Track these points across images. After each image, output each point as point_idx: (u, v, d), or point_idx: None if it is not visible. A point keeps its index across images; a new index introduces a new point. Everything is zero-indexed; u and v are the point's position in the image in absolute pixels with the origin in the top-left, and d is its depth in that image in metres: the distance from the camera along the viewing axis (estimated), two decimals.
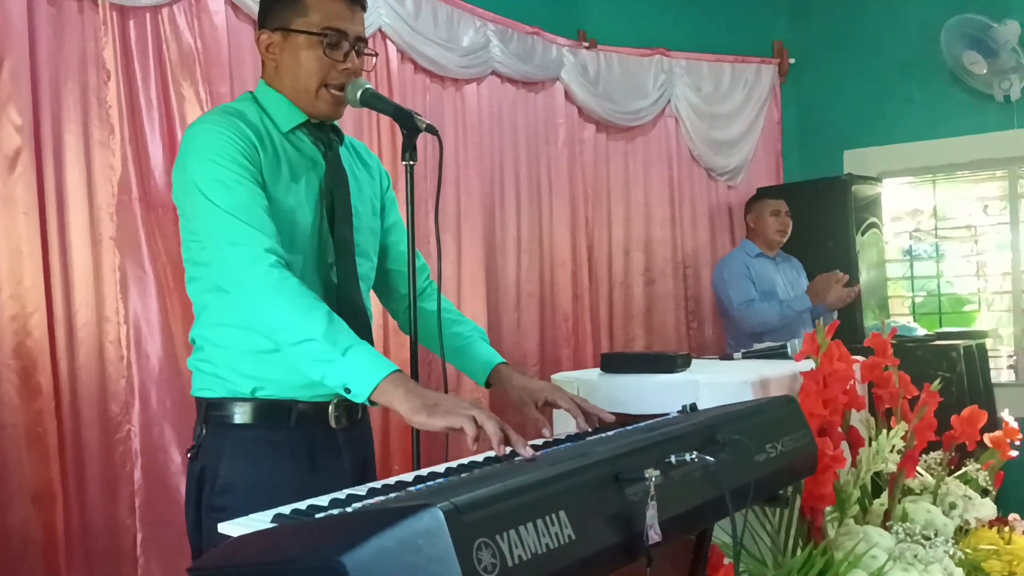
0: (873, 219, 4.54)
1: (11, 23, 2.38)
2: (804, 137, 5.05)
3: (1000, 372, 4.64)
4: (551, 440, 1.59)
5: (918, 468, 2.16)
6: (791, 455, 1.48)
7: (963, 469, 2.28)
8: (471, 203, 3.69)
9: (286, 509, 1.14)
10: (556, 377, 2.19)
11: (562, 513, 0.95)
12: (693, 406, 1.64)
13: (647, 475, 1.07)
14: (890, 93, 4.74)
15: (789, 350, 2.42)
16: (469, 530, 0.83)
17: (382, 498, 1.13)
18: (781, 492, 1.58)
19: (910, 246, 5.05)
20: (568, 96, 4.22)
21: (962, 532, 2.07)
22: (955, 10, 4.40)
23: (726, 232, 4.81)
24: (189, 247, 1.66)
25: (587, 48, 4.33)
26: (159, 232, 2.67)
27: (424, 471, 1.37)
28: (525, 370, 3.89)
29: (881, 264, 4.68)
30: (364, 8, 1.72)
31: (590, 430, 1.62)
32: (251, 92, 1.74)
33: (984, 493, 2.23)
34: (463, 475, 1.25)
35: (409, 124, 1.68)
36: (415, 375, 1.65)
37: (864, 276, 4.34)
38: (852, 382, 1.95)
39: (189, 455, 1.68)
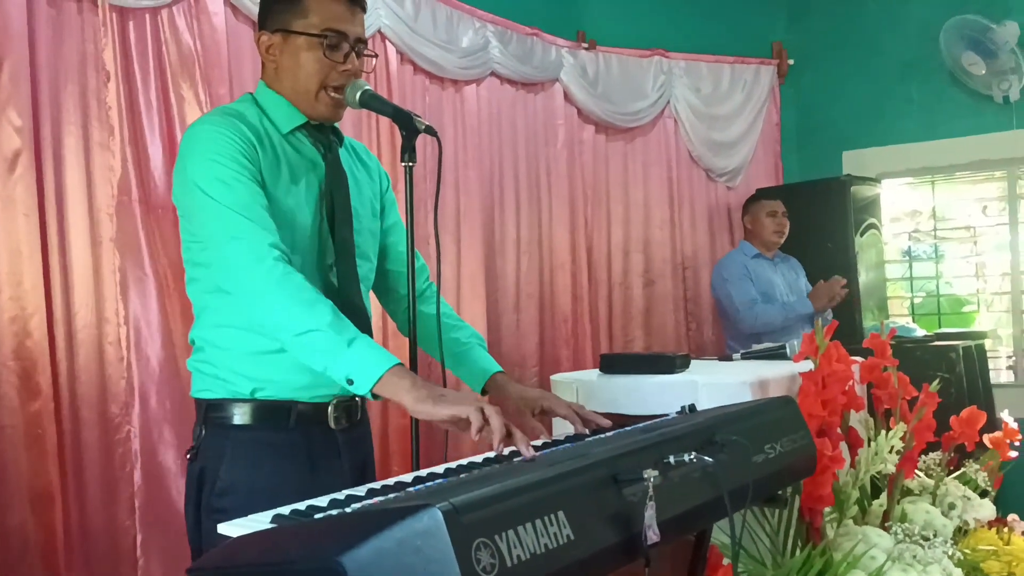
0: (872, 220, 4.55)
1: (11, 24, 2.38)
2: (803, 138, 5.05)
3: (999, 373, 4.64)
4: (550, 441, 1.59)
5: (917, 469, 2.16)
6: (790, 456, 1.48)
7: (962, 470, 2.28)
8: (470, 204, 3.70)
9: (285, 510, 1.14)
10: (555, 378, 2.19)
11: (561, 513, 0.95)
12: (692, 407, 1.65)
13: (646, 476, 1.07)
14: (889, 94, 4.74)
15: (788, 351, 2.42)
16: (468, 530, 0.83)
17: (381, 499, 1.13)
18: (780, 493, 1.58)
19: (909, 247, 5.05)
20: (567, 97, 4.22)
21: (961, 533, 2.07)
22: (954, 11, 4.40)
23: (725, 233, 4.81)
24: (189, 248, 1.67)
25: (586, 49, 4.33)
26: (159, 233, 2.67)
27: (423, 472, 1.37)
28: (525, 371, 3.90)
29: (880, 265, 4.68)
30: (364, 9, 1.72)
31: (588, 433, 1.62)
32: (251, 94, 1.74)
33: (983, 494, 2.23)
34: (462, 476, 1.25)
35: (408, 125, 1.69)
36: None
37: (863, 277, 4.34)
38: (851, 383, 1.95)
39: (189, 456, 1.68)
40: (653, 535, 1.06)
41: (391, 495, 1.16)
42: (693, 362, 2.21)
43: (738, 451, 1.30)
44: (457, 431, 1.44)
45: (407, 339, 1.72)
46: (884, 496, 2.04)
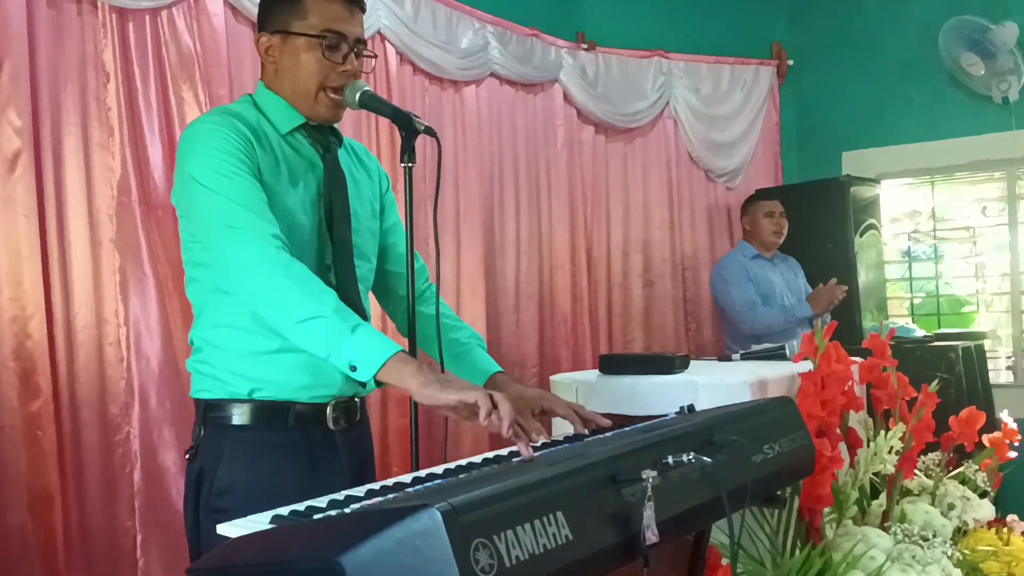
0: (872, 220, 4.55)
1: (10, 25, 2.38)
2: (803, 138, 5.05)
3: (999, 373, 4.64)
4: (549, 441, 1.59)
5: (916, 469, 2.16)
6: (789, 456, 1.48)
7: (961, 467, 2.28)
8: (470, 204, 3.70)
9: (284, 510, 1.15)
10: (555, 378, 2.19)
11: (559, 514, 0.95)
12: (691, 407, 1.65)
13: (644, 476, 1.07)
14: (889, 94, 4.74)
15: (787, 351, 2.43)
16: (467, 531, 0.83)
17: (380, 499, 1.13)
18: (779, 493, 1.58)
19: (909, 247, 5.05)
20: (567, 98, 4.22)
21: (960, 533, 2.07)
22: (953, 12, 4.40)
23: (725, 234, 4.81)
24: (189, 248, 1.67)
25: (586, 50, 4.33)
26: (159, 234, 2.67)
27: (422, 472, 1.37)
28: (524, 371, 3.90)
29: (880, 265, 4.68)
30: (363, 10, 1.72)
31: (587, 433, 1.62)
32: (250, 95, 1.74)
33: (983, 494, 2.23)
34: (461, 476, 1.25)
35: (408, 126, 1.69)
36: None
37: (863, 277, 4.34)
38: (850, 383, 1.95)
39: (188, 456, 1.68)
40: (652, 535, 1.06)
41: (390, 496, 1.16)
42: (692, 362, 2.21)
43: (737, 451, 1.30)
44: (461, 418, 1.42)
45: (406, 340, 1.72)
46: (883, 496, 2.04)
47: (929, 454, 2.24)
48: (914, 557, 1.77)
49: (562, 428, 1.78)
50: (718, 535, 1.57)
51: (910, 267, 5.06)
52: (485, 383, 1.80)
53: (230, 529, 1.10)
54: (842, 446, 1.88)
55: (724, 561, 1.57)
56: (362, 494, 1.21)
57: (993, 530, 2.11)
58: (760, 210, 4.07)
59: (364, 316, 1.71)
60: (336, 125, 1.78)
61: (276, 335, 1.55)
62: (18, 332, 2.37)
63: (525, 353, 3.92)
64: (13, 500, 2.33)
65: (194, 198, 1.57)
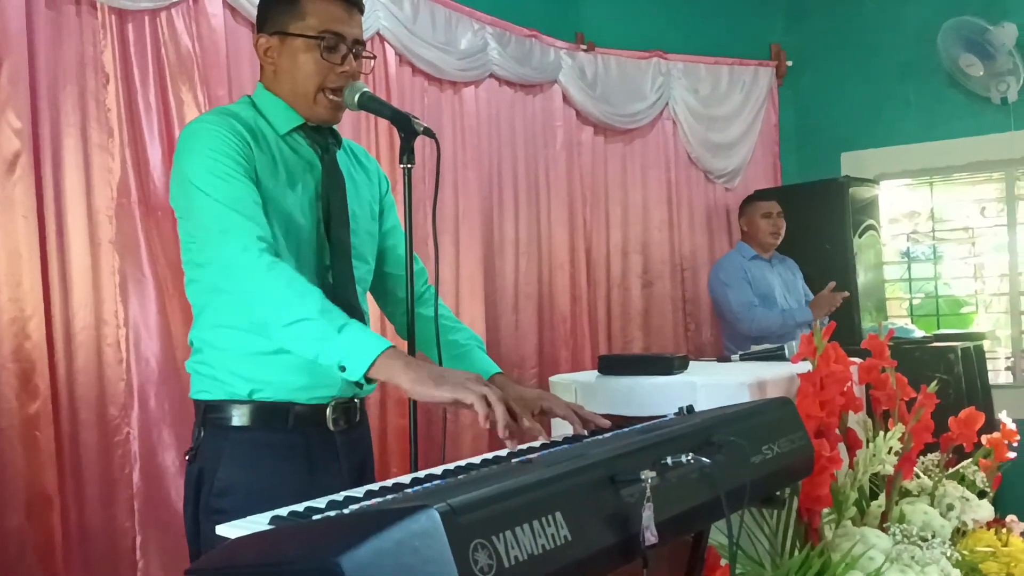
0: (871, 221, 4.55)
1: (10, 26, 2.38)
2: (802, 139, 5.06)
3: (998, 374, 4.64)
4: (548, 442, 1.59)
5: (915, 470, 2.16)
6: (787, 456, 1.48)
7: (959, 466, 2.28)
8: (469, 205, 3.70)
9: (284, 511, 1.15)
10: (554, 379, 2.19)
11: (558, 514, 0.95)
12: (690, 408, 1.65)
13: (643, 476, 1.07)
14: (887, 95, 4.75)
15: (786, 352, 2.43)
16: (465, 531, 0.83)
17: (379, 500, 1.13)
18: (778, 494, 1.58)
19: (908, 248, 5.06)
20: (566, 99, 4.23)
21: (959, 534, 2.07)
22: (952, 12, 4.41)
23: (724, 234, 4.82)
24: (188, 249, 1.67)
25: (585, 51, 4.34)
26: (158, 235, 2.67)
27: (422, 473, 1.37)
28: (524, 372, 3.90)
29: (879, 266, 4.69)
30: (361, 11, 1.73)
31: (587, 434, 1.62)
32: (249, 96, 1.74)
33: (982, 495, 2.23)
34: (460, 477, 1.25)
35: (407, 127, 1.69)
36: None
37: (861, 278, 4.34)
38: (849, 384, 1.95)
39: (187, 457, 1.68)
40: (651, 536, 1.06)
41: (389, 496, 1.16)
42: (691, 363, 2.21)
43: (736, 452, 1.30)
44: (459, 408, 1.43)
45: (405, 342, 1.72)
46: (882, 497, 2.04)
47: (928, 455, 2.24)
48: (913, 558, 1.77)
49: (561, 429, 1.78)
50: (717, 536, 1.57)
51: (909, 268, 5.06)
52: None
53: (229, 530, 1.10)
54: (841, 447, 1.88)
55: (723, 562, 1.57)
56: (361, 495, 1.21)
57: (992, 531, 2.11)
58: (757, 211, 4.07)
59: (362, 317, 1.71)
60: (335, 126, 1.78)
61: None
62: (17, 333, 2.37)
63: (524, 354, 3.92)
64: (11, 501, 2.33)
65: (191, 200, 1.57)
